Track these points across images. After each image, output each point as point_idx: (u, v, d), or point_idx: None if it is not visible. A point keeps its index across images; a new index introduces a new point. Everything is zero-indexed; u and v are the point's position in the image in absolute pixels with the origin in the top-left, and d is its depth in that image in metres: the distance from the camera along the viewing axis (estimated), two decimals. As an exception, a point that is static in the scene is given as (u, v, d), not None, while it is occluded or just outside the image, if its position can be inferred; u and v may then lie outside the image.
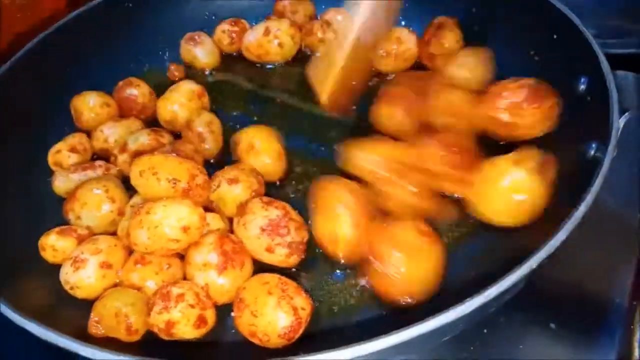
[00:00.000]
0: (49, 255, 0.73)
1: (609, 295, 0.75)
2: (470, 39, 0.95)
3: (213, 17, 1.09)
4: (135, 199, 0.76)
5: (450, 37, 0.95)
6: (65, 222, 0.77)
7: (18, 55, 0.89)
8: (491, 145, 0.80)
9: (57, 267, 0.71)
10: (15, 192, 0.80)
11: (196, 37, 1.05)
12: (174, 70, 1.04)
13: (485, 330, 0.71)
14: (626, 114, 0.68)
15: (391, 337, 0.49)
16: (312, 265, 0.73)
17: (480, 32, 0.95)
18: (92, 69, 0.99)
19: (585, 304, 0.75)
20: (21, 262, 0.72)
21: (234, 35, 1.05)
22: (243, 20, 1.07)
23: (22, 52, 0.89)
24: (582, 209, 0.58)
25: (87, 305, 0.67)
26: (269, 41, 1.01)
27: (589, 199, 0.58)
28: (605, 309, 0.74)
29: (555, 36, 0.82)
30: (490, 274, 0.54)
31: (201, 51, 1.04)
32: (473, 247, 0.72)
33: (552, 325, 0.72)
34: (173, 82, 0.95)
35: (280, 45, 1.01)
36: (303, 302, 0.62)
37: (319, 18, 1.08)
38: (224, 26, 1.06)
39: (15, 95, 0.86)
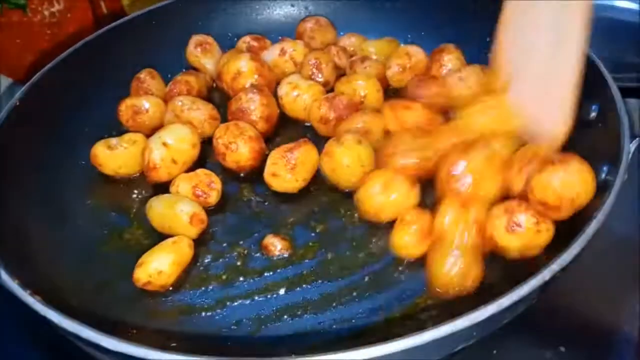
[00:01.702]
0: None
1: (618, 322, 0.76)
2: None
3: (235, 39, 1.13)
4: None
5: (450, 60, 0.99)
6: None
7: (48, 67, 0.92)
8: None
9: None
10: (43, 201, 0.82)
11: (205, 44, 1.06)
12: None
13: (494, 352, 0.72)
14: (636, 139, 0.70)
15: (402, 341, 0.50)
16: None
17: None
18: (116, 83, 1.02)
19: (595, 329, 0.75)
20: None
21: (252, 47, 1.08)
22: (266, 39, 1.10)
23: (52, 65, 0.93)
24: (594, 225, 0.59)
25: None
26: (285, 61, 1.03)
27: (600, 216, 0.60)
28: (615, 334, 0.75)
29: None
30: (504, 287, 0.55)
31: (209, 62, 1.06)
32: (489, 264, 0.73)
33: (562, 349, 0.73)
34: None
35: (296, 65, 1.04)
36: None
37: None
38: (247, 38, 1.09)
39: (42, 105, 0.90)
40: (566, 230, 0.65)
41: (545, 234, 0.68)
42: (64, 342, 0.60)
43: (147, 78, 1.00)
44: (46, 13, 1.18)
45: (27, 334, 0.78)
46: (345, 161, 0.81)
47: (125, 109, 0.94)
